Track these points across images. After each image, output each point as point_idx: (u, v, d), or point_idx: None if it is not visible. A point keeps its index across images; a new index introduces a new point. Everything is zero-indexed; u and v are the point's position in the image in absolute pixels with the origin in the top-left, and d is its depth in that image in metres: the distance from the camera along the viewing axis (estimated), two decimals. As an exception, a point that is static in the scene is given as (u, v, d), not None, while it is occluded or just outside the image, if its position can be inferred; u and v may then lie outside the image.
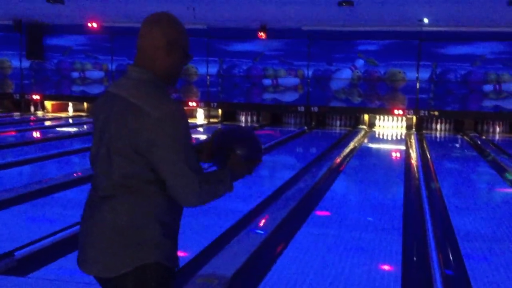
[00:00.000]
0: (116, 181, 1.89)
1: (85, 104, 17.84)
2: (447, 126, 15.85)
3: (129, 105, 1.84)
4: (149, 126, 1.80)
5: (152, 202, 1.90)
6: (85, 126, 14.68)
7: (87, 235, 1.97)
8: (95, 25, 16.13)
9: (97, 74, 17.10)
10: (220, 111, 16.93)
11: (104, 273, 1.91)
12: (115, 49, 16.82)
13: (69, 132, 13.74)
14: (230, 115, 16.97)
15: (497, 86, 14.64)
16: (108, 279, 1.92)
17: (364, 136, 14.14)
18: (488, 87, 14.72)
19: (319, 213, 6.07)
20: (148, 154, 1.83)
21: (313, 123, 16.27)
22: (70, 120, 16.39)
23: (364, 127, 15.92)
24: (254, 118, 16.94)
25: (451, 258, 4.65)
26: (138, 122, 1.81)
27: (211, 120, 16.88)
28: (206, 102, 16.51)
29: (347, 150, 11.22)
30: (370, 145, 13.23)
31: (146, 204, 1.89)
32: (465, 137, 14.48)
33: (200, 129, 15.65)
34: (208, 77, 16.34)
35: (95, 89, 17.10)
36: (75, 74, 17.26)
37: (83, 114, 17.69)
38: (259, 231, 5.19)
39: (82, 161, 9.31)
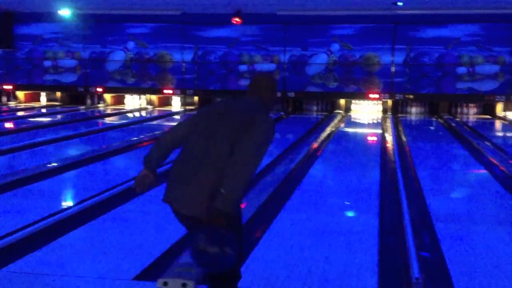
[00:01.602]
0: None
1: (58, 93, 17.57)
2: (422, 109, 16.00)
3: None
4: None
5: None
6: (58, 116, 14.46)
7: None
8: (67, 12, 15.82)
9: (70, 62, 16.84)
10: (196, 98, 16.83)
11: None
12: (87, 36, 16.55)
13: (42, 122, 13.52)
14: (206, 102, 16.86)
15: (471, 69, 14.80)
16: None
17: (340, 121, 14.20)
18: (461, 70, 14.87)
19: (297, 198, 6.07)
20: None
21: (290, 108, 16.28)
22: (43, 110, 16.12)
23: (341, 111, 15.98)
24: (231, 104, 16.82)
25: (427, 240, 4.70)
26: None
27: (187, 107, 16.78)
28: (182, 89, 16.39)
29: (324, 134, 11.25)
30: (347, 129, 13.30)
31: None
32: (440, 120, 14.64)
33: (177, 116, 15.55)
34: (183, 64, 16.21)
35: (68, 78, 16.85)
36: (47, 63, 16.97)
37: (56, 103, 17.41)
38: (237, 218, 5.17)
39: (56, 152, 9.19)
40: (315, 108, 16.52)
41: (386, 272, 3.92)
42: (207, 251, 2.60)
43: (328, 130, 12.03)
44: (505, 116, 14.83)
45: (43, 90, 17.59)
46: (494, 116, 15.28)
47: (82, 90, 16.92)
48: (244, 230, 3.02)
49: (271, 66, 15.80)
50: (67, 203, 6.02)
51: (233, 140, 2.63)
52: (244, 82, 15.97)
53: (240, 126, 2.67)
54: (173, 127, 3.02)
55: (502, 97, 14.83)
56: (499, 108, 15.43)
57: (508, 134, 13.04)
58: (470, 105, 15.80)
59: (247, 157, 2.62)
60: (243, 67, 15.96)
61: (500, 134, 13.28)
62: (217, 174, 2.63)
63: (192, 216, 2.74)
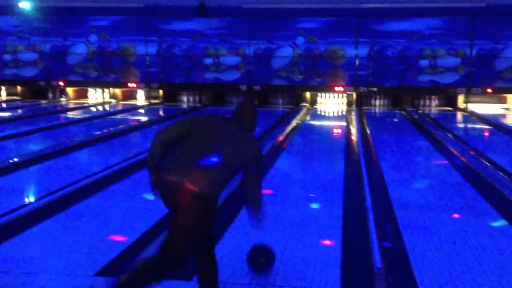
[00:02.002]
0: None
1: (19, 88, 17.17)
2: (386, 101, 16.21)
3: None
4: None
5: None
6: (19, 110, 14.14)
7: None
8: (27, 5, 15.44)
9: (30, 56, 16.46)
10: (161, 91, 16.68)
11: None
12: (48, 29, 16.21)
13: (2, 116, 13.20)
14: (171, 96, 16.75)
15: (433, 61, 15.06)
16: None
17: (306, 113, 14.28)
18: (424, 62, 15.11)
19: (262, 191, 6.06)
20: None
21: (256, 101, 16.26)
22: (3, 104, 15.74)
23: (306, 104, 16.07)
24: (197, 98, 16.78)
25: (389, 230, 4.77)
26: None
27: (152, 101, 16.61)
28: (146, 83, 16.20)
29: (289, 127, 11.30)
30: (312, 122, 13.38)
31: None
32: (403, 112, 14.87)
33: (141, 110, 15.39)
34: (147, 57, 16.02)
35: (29, 72, 16.49)
36: (7, 57, 16.56)
37: (16, 98, 17.02)
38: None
39: (17, 147, 8.99)
40: (280, 101, 16.56)
41: (349, 262, 3.97)
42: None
43: (293, 123, 12.08)
44: (466, 108, 15.15)
45: (3, 84, 17.16)
46: (456, 108, 15.59)
47: (44, 84, 16.57)
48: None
49: (237, 59, 15.76)
50: (28, 199, 5.90)
51: (234, 154, 3.16)
52: (209, 75, 15.90)
53: (242, 145, 3.23)
54: (167, 129, 3.25)
55: (463, 89, 15.13)
56: (460, 100, 15.75)
57: (469, 126, 13.33)
58: (432, 97, 16.09)
59: (256, 188, 3.34)
60: (208, 60, 15.87)
61: (461, 125, 13.57)
62: (221, 171, 3.12)
63: (196, 193, 3.02)
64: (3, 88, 17.46)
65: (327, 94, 16.31)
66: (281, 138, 9.95)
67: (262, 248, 3.56)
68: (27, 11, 15.68)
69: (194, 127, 3.24)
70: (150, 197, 5.63)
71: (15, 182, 6.55)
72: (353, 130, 11.10)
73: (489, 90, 15.02)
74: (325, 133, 12.35)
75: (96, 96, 17.27)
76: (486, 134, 11.62)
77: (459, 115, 14.74)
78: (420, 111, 14.90)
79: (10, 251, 4.08)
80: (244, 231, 4.60)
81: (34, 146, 9.15)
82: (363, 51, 15.26)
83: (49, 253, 4.05)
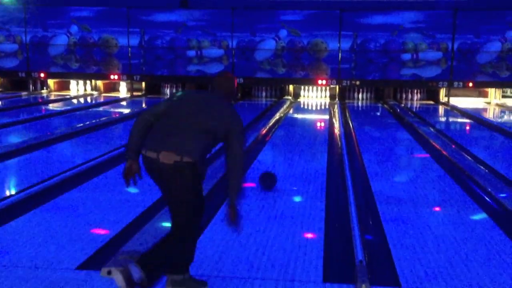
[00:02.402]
0: None
1: (-1, 79, 16.94)
2: (368, 95, 16.29)
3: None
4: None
5: None
6: (-1, 102, 13.96)
7: None
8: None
9: (11, 46, 16.22)
10: (143, 84, 16.57)
11: None
12: (29, 20, 15.97)
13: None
14: (154, 88, 16.65)
15: (415, 55, 15.15)
16: None
17: (289, 107, 14.29)
18: (406, 56, 15.20)
19: (245, 184, 6.07)
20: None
21: (239, 94, 16.24)
22: (-17, 96, 15.51)
23: (289, 97, 16.08)
24: (180, 90, 16.69)
25: (371, 223, 4.80)
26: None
27: (135, 93, 16.49)
28: (129, 75, 16.07)
29: (272, 120, 11.30)
30: (295, 115, 13.40)
31: None
32: (385, 105, 14.95)
33: (123, 103, 15.27)
34: (129, 49, 15.88)
35: (9, 63, 16.26)
36: (-14, 48, 16.30)
37: (-3, 89, 16.79)
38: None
39: (-4, 139, 8.88)
40: (264, 94, 16.56)
41: (331, 255, 3.99)
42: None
43: (277, 116, 12.09)
44: (447, 102, 15.29)
45: (-18, 75, 16.91)
46: (437, 101, 15.73)
47: (24, 75, 16.35)
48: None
49: (219, 52, 15.70)
50: (9, 191, 5.83)
51: (213, 123, 3.18)
52: (192, 68, 15.83)
53: (219, 114, 3.23)
54: (150, 109, 3.30)
55: (444, 83, 15.25)
56: (442, 94, 15.89)
57: (450, 119, 13.46)
58: (414, 91, 16.20)
59: (239, 148, 3.25)
60: (191, 53, 15.79)
61: (442, 119, 13.69)
62: (198, 138, 3.16)
63: (174, 165, 3.08)
64: (-18, 79, 17.20)
65: (310, 87, 16.35)
66: (264, 131, 9.95)
67: (269, 174, 5.79)
68: (7, 1, 15.44)
69: (173, 103, 3.28)
70: (132, 189, 5.61)
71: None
72: (336, 124, 11.14)
73: (471, 84, 15.17)
74: (308, 126, 12.38)
75: (77, 88, 17.09)
76: (468, 128, 11.74)
77: (441, 109, 14.87)
78: (402, 105, 15.00)
79: (-11, 245, 4.02)
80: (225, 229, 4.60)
81: (15, 138, 9.04)
82: (346, 44, 15.29)
83: (30, 246, 4.01)
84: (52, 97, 15.60)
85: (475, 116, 12.50)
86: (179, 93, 3.41)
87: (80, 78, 16.76)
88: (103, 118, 11.35)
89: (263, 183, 5.74)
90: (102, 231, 4.41)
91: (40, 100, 15.14)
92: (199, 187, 3.23)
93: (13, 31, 16.12)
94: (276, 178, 5.76)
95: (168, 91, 16.71)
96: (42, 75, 16.25)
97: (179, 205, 3.16)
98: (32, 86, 16.97)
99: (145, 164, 3.19)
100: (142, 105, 14.86)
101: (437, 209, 5.26)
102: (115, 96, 16.20)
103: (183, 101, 3.30)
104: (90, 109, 13.61)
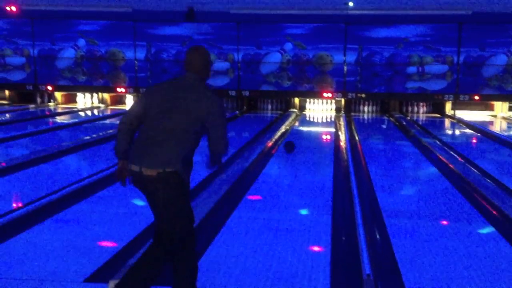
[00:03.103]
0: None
1: (6, 92, 17.04)
2: (374, 107, 16.30)
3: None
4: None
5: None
6: (6, 115, 14.03)
7: None
8: (14, 8, 15.36)
9: (18, 60, 16.36)
10: (150, 96, 16.60)
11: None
12: (36, 33, 16.12)
13: (-11, 121, 13.08)
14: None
15: (420, 68, 15.17)
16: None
17: (295, 119, 14.31)
18: (411, 69, 15.22)
19: (251, 197, 6.09)
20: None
21: (245, 107, 16.30)
22: (-9, 109, 15.62)
23: (295, 110, 16.11)
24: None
25: (378, 236, 4.79)
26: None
27: (141, 106, 16.52)
28: (135, 87, 16.15)
29: (278, 133, 11.32)
30: (301, 128, 13.41)
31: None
32: (391, 118, 14.95)
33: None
34: (136, 62, 15.98)
35: (17, 76, 16.38)
36: (-6, 61, 16.43)
37: (4, 102, 16.89)
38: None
39: (4, 152, 8.92)
40: (269, 106, 16.60)
41: (338, 268, 3.98)
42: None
43: (282, 128, 12.11)
44: (453, 115, 15.27)
45: (-10, 88, 17.03)
46: (444, 114, 15.72)
47: (31, 88, 16.46)
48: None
49: (225, 65, 15.77)
50: (16, 204, 5.85)
51: (190, 118, 3.12)
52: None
53: (194, 105, 3.14)
54: (130, 109, 3.30)
55: (450, 96, 15.26)
56: (448, 106, 15.88)
57: (456, 133, 13.44)
58: (420, 104, 16.21)
59: (221, 138, 3.23)
60: (197, 66, 15.83)
61: (448, 132, 13.67)
62: (179, 143, 3.12)
63: (157, 176, 3.07)
64: (-10, 92, 17.32)
65: (316, 100, 16.38)
66: (270, 143, 9.97)
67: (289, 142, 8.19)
68: (15, 14, 15.57)
69: (151, 100, 3.20)
70: (139, 202, 5.63)
71: (3, 187, 6.50)
72: (342, 136, 11.15)
73: (476, 98, 15.17)
74: (314, 138, 12.38)
75: (84, 101, 17.19)
76: (474, 141, 11.72)
77: (447, 122, 14.85)
78: (408, 118, 15.00)
79: (-3, 257, 4.04)
80: (233, 238, 4.60)
81: (22, 151, 9.08)
82: (351, 57, 15.34)
83: (38, 259, 4.02)
84: (59, 110, 15.68)
85: (481, 129, 12.47)
86: (153, 88, 3.31)
87: (87, 91, 16.87)
88: (110, 131, 11.39)
89: (286, 147, 8.48)
90: (109, 244, 4.42)
91: (47, 113, 15.23)
92: (185, 196, 3.21)
93: (20, 44, 16.26)
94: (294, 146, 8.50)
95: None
96: (49, 88, 16.35)
97: (167, 216, 3.15)
98: (40, 99, 17.08)
99: (132, 178, 3.21)
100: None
101: (444, 222, 5.24)
102: (122, 109, 16.26)
103: (159, 97, 3.20)
104: (97, 122, 13.67)
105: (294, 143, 8.59)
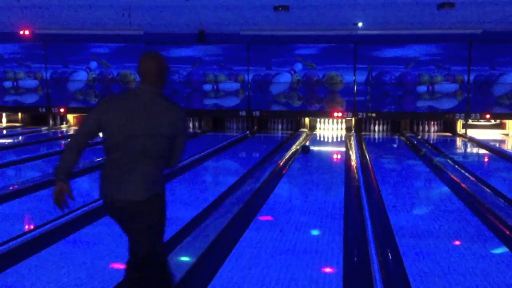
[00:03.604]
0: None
1: (19, 115, 17.24)
2: (385, 127, 16.29)
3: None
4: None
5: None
6: (20, 137, 14.17)
7: None
8: (27, 32, 15.61)
9: (31, 82, 16.57)
10: (161, 117, 16.71)
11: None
12: (49, 56, 16.34)
13: (3, 143, 13.22)
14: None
15: (430, 87, 15.17)
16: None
17: (305, 139, 14.32)
18: (422, 88, 15.22)
19: (262, 217, 6.08)
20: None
21: (255, 127, 16.35)
22: (4, 131, 15.78)
23: (305, 130, 16.13)
24: (196, 123, 16.86)
25: (390, 257, 4.76)
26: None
27: (152, 127, 16.64)
28: (146, 109, 16.24)
29: (289, 153, 11.32)
30: (312, 147, 13.39)
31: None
32: (402, 137, 14.92)
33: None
34: (147, 84, 16.09)
35: (30, 99, 16.57)
36: (8, 84, 16.65)
37: (17, 124, 17.07)
38: (202, 238, 5.15)
39: (17, 174, 8.99)
40: (280, 127, 16.64)
41: (351, 290, 3.96)
42: None
43: (293, 148, 12.12)
44: (465, 134, 15.21)
45: (3, 111, 17.24)
46: (455, 133, 15.66)
47: (44, 110, 16.63)
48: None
49: (236, 85, 15.87)
50: (29, 226, 5.89)
51: (162, 137, 2.99)
52: (209, 102, 16.00)
53: (164, 124, 3.00)
54: (82, 125, 3.12)
55: (461, 115, 15.22)
56: (459, 125, 15.82)
57: (468, 151, 13.37)
58: (431, 123, 16.18)
59: (182, 151, 3.16)
60: (207, 87, 15.98)
61: (460, 151, 13.60)
62: (153, 165, 3.01)
63: (130, 205, 2.98)
64: (3, 114, 17.53)
65: (326, 120, 16.40)
66: (280, 163, 9.97)
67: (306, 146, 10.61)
68: (28, 38, 15.82)
69: (107, 119, 2.99)
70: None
71: (16, 209, 6.54)
72: (353, 156, 11.13)
73: (488, 116, 15.12)
74: (324, 158, 12.37)
75: (96, 123, 17.30)
76: (486, 160, 11.65)
77: (459, 141, 14.79)
78: (419, 137, 14.96)
79: (9, 279, 4.06)
80: (245, 259, 4.59)
81: (35, 172, 9.15)
82: (361, 77, 15.39)
83: (51, 281, 4.03)
84: (72, 132, 15.81)
85: (493, 148, 12.40)
86: (109, 104, 3.06)
87: (98, 113, 17.00)
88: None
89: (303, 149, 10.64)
90: (121, 266, 4.42)
91: (60, 135, 15.36)
92: (164, 217, 3.15)
93: (33, 67, 16.48)
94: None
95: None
96: (62, 110, 16.52)
97: (152, 239, 3.08)
98: (52, 121, 17.25)
99: (110, 210, 3.12)
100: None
101: (457, 242, 5.20)
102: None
103: (122, 116, 2.97)
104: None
105: (309, 147, 11.26)
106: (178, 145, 3.10)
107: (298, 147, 12.59)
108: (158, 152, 3.01)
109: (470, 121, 15.59)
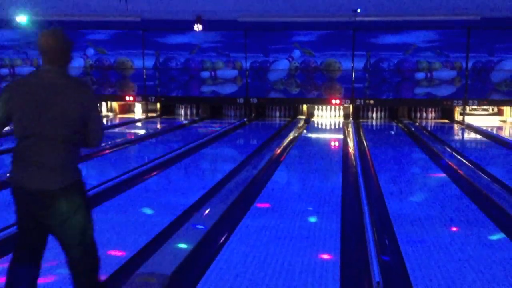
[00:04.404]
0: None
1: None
2: (382, 114, 16.27)
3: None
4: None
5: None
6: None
7: None
8: (23, 19, 15.50)
9: (28, 69, 16.44)
10: (158, 105, 16.71)
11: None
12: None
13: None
14: (168, 109, 16.78)
15: (429, 74, 15.13)
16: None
17: (303, 126, 14.30)
18: (420, 75, 15.19)
19: (259, 204, 6.08)
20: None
21: (253, 114, 16.32)
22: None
23: (303, 117, 16.11)
24: (194, 111, 16.82)
25: (387, 243, 4.77)
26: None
27: (150, 114, 16.63)
28: (144, 96, 16.23)
29: (286, 140, 11.31)
30: (309, 135, 13.39)
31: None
32: (400, 124, 14.91)
33: (139, 124, 15.39)
34: (144, 71, 16.06)
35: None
36: (4, 71, 16.57)
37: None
38: (200, 226, 5.15)
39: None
40: (277, 114, 16.60)
41: (348, 276, 3.96)
42: None
43: (291, 135, 12.10)
44: (462, 121, 15.21)
45: None
46: (453, 120, 15.65)
47: (41, 97, 16.53)
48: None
49: (233, 73, 15.81)
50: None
51: (74, 120, 2.84)
52: (206, 89, 15.95)
53: (73, 106, 2.84)
54: None
55: (459, 102, 15.20)
56: (457, 112, 15.81)
57: (466, 138, 13.37)
58: (429, 109, 16.16)
59: (99, 130, 3.03)
60: (205, 74, 15.92)
61: (458, 138, 13.61)
62: (71, 149, 2.88)
63: (42, 192, 2.84)
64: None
65: (324, 107, 16.37)
66: (278, 151, 9.96)
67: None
68: (24, 25, 15.72)
69: (13, 106, 2.83)
70: (148, 210, 5.65)
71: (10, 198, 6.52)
72: (350, 143, 11.12)
73: (485, 103, 15.11)
74: (322, 145, 12.37)
75: (93, 110, 17.27)
76: (484, 146, 11.66)
77: (456, 128, 14.79)
78: (417, 124, 14.95)
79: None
80: (242, 246, 4.60)
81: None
82: (359, 64, 15.33)
83: (48, 268, 4.03)
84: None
85: (491, 134, 12.41)
86: (14, 91, 2.87)
87: (95, 100, 16.98)
88: (118, 140, 11.44)
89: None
90: (118, 253, 4.42)
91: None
92: (87, 202, 3.04)
93: (30, 54, 16.39)
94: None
95: (182, 112, 16.84)
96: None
97: (79, 228, 2.98)
98: (49, 108, 17.17)
99: (19, 198, 2.93)
100: (157, 125, 14.96)
101: (454, 229, 5.21)
102: (131, 117, 16.34)
103: (30, 101, 2.81)
104: (106, 131, 13.71)
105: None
106: (92, 125, 2.93)
107: (296, 134, 12.59)
108: (69, 136, 2.85)
109: (468, 110, 15.60)
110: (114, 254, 4.40)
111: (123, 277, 3.75)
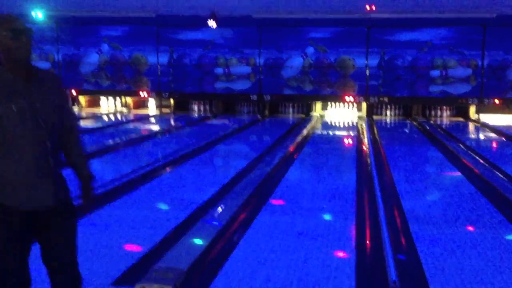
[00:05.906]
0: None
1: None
2: (397, 111, 16.19)
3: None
4: None
5: None
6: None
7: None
8: (39, 14, 15.61)
9: (43, 65, 16.51)
10: (172, 101, 16.76)
11: None
12: (61, 39, 16.34)
13: None
14: (182, 105, 16.82)
15: (444, 72, 15.03)
16: None
17: (316, 123, 14.28)
18: (435, 73, 15.08)
19: (274, 201, 6.09)
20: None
21: (266, 111, 16.31)
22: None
23: (317, 114, 16.07)
24: (207, 107, 16.85)
25: (403, 242, 4.75)
26: None
27: (163, 110, 16.69)
28: (157, 92, 16.29)
29: (300, 137, 11.30)
30: (323, 132, 13.37)
31: None
32: (414, 122, 14.83)
33: (152, 119, 15.46)
34: (158, 67, 16.11)
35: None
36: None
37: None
38: (215, 222, 5.17)
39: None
40: (291, 110, 16.58)
41: (363, 275, 3.96)
42: None
43: (304, 132, 12.09)
44: (478, 119, 15.08)
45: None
46: (468, 118, 15.53)
47: (56, 93, 16.65)
48: None
49: (247, 69, 15.81)
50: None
51: (56, 121, 2.67)
52: (220, 85, 15.96)
53: (44, 95, 2.67)
54: None
55: (474, 100, 15.08)
56: (472, 110, 15.69)
57: (481, 137, 13.27)
58: (443, 107, 16.05)
59: (75, 126, 2.94)
60: (219, 70, 15.94)
61: (473, 136, 13.51)
62: (53, 144, 2.69)
63: (62, 205, 2.75)
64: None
65: (338, 104, 16.32)
66: (292, 148, 9.96)
67: None
68: (40, 20, 15.83)
69: None
70: (164, 206, 5.69)
71: None
72: (364, 140, 11.09)
73: (501, 101, 14.98)
74: (336, 143, 12.33)
75: (108, 105, 17.39)
76: (499, 145, 11.56)
77: (471, 126, 14.67)
78: (431, 122, 14.86)
79: (25, 260, 4.09)
80: (256, 243, 4.61)
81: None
82: (374, 61, 15.26)
83: (64, 262, 4.07)
84: (83, 114, 15.88)
85: (506, 133, 12.30)
86: None
87: (110, 95, 17.08)
88: (133, 135, 11.50)
89: None
90: (135, 248, 4.45)
91: (71, 117, 15.40)
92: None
93: (45, 49, 16.51)
94: None
95: (196, 107, 16.87)
96: (73, 92, 16.57)
97: (73, 245, 2.96)
98: (64, 103, 17.29)
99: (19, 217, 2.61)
100: (170, 121, 15.02)
101: (470, 228, 5.18)
102: (145, 113, 16.41)
103: (15, 105, 2.51)
104: (120, 126, 13.80)
105: None
106: (68, 114, 2.81)
107: (310, 131, 12.57)
108: (57, 140, 2.71)
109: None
110: (131, 249, 4.43)
111: (140, 272, 3.78)
